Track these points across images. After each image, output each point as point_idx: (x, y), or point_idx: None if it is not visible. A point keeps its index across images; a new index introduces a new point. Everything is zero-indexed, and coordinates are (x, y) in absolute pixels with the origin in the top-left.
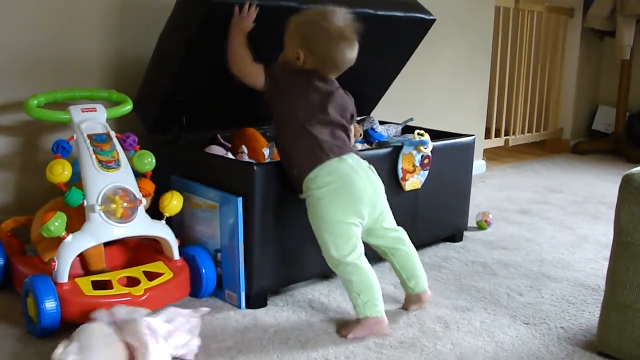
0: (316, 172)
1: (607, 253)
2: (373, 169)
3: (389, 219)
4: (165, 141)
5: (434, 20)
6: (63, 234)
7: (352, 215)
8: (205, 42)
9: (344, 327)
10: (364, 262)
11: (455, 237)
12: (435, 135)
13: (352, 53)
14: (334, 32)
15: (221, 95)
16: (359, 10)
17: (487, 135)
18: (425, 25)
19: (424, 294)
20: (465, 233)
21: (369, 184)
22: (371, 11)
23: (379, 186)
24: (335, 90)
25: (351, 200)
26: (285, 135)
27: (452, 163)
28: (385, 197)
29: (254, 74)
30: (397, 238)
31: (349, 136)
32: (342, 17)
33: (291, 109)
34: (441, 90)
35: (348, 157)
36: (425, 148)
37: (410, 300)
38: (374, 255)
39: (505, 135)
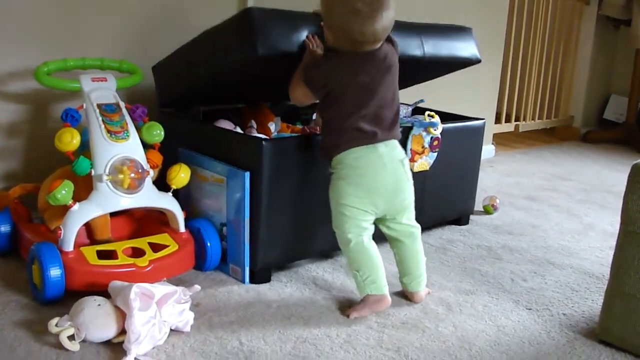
0: (345, 154)
1: (613, 242)
2: (406, 162)
3: (409, 215)
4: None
5: (479, 60)
6: (70, 202)
7: (367, 204)
8: (244, 72)
9: (349, 307)
10: (366, 241)
11: (461, 220)
12: (446, 117)
13: (371, 26)
14: (347, 6)
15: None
16: (406, 55)
17: (498, 120)
18: (468, 64)
19: (416, 294)
20: (471, 217)
21: (392, 178)
22: (418, 54)
23: (405, 182)
24: (380, 66)
25: (368, 191)
26: (325, 116)
27: (461, 146)
28: (411, 193)
29: (311, 101)
30: (407, 233)
31: (395, 114)
32: None
33: (336, 103)
34: (453, 73)
35: (382, 145)
36: (435, 130)
37: (404, 293)
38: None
39: (515, 121)
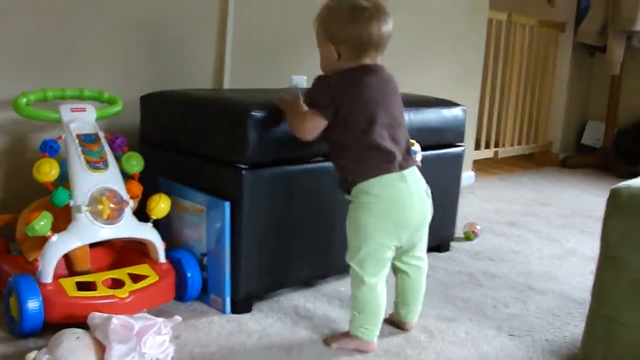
0: (371, 183)
1: (593, 267)
2: (429, 192)
3: (422, 247)
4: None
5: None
6: (48, 233)
7: (392, 238)
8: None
9: (332, 336)
10: (379, 289)
11: (442, 247)
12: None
13: (377, 27)
14: (351, 9)
15: None
16: None
17: (477, 147)
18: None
19: (408, 325)
20: (452, 243)
21: (419, 211)
22: None
23: (428, 213)
24: (387, 84)
25: (396, 224)
26: (338, 139)
27: (441, 173)
28: (428, 224)
29: (322, 125)
30: (416, 267)
31: (408, 140)
32: None
33: (347, 121)
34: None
35: (409, 174)
36: (415, 158)
37: (394, 320)
38: None
39: (495, 147)
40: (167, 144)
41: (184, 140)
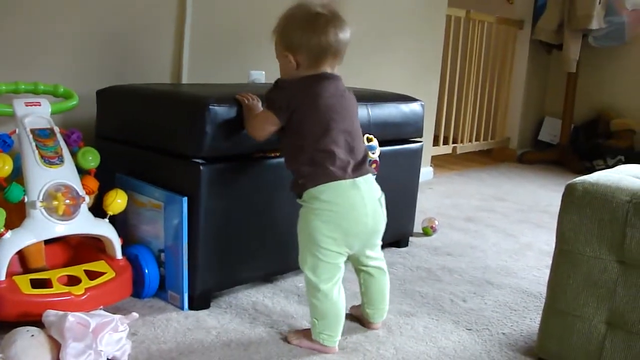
0: (323, 188)
1: (549, 261)
2: (383, 200)
3: (377, 249)
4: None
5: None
6: (2, 230)
7: (342, 246)
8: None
9: (294, 332)
10: (335, 294)
11: (400, 242)
12: (384, 140)
13: (333, 33)
14: (308, 16)
15: None
16: None
17: (436, 143)
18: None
19: (375, 325)
20: (410, 239)
21: (371, 220)
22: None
23: (381, 222)
24: (344, 93)
25: (346, 233)
26: (292, 142)
27: (399, 169)
28: (383, 230)
29: (274, 127)
30: (375, 267)
31: (364, 150)
32: (318, 2)
33: (301, 126)
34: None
35: (363, 182)
36: (373, 153)
37: (361, 318)
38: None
39: (453, 143)
40: (123, 139)
41: (141, 135)
